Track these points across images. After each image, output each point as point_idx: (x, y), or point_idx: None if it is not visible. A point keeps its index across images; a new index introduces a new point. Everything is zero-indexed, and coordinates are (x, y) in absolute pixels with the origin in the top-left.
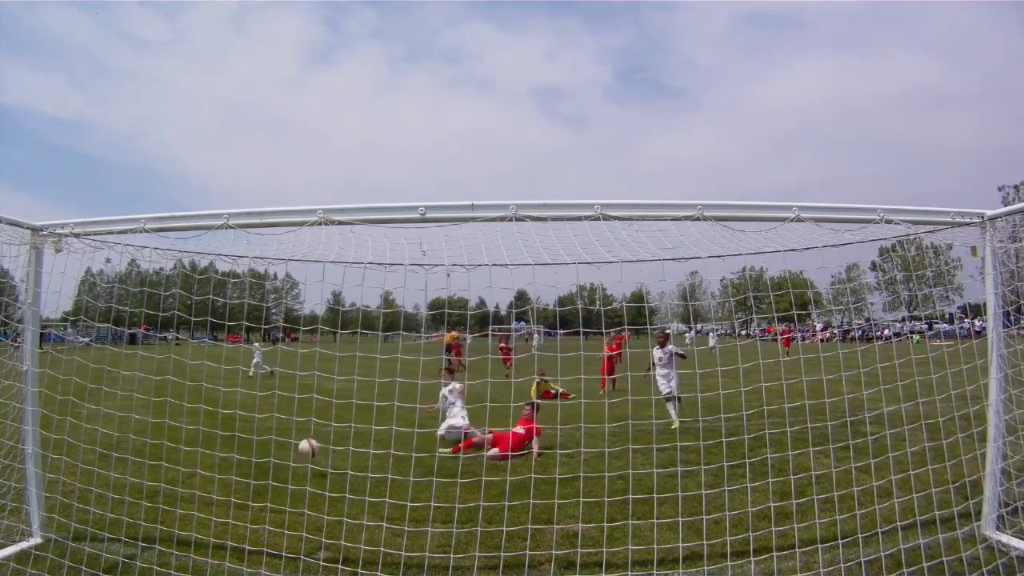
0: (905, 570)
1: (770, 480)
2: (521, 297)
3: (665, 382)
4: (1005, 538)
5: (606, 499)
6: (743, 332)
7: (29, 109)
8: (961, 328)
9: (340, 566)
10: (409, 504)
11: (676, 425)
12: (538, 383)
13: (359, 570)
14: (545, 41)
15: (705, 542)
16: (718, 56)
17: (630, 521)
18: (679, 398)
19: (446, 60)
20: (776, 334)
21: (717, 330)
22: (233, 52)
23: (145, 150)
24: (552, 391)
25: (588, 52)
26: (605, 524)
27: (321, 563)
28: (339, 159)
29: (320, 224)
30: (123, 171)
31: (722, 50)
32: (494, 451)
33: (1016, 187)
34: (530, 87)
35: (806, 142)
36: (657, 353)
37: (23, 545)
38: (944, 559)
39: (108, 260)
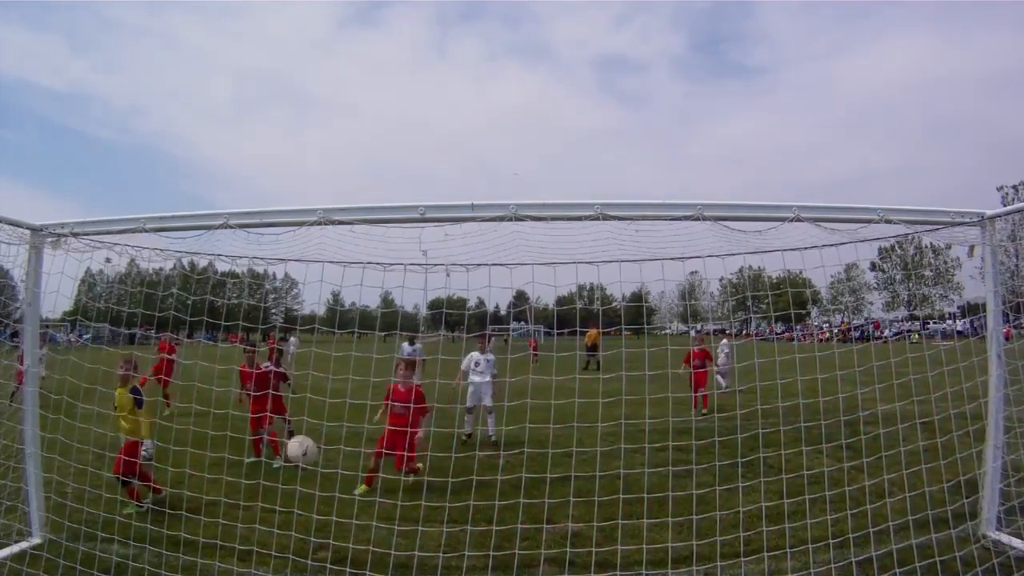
0: (897, 570)
1: (762, 479)
2: (520, 297)
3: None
4: (1004, 537)
5: (596, 498)
6: (744, 332)
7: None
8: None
9: (330, 565)
10: (400, 503)
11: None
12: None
13: (347, 568)
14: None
15: (694, 542)
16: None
17: (619, 521)
18: (491, 409)
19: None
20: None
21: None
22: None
23: (152, 129)
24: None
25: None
26: (595, 523)
27: (310, 562)
28: (373, 143)
29: (320, 224)
30: (124, 153)
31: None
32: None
33: (1015, 187)
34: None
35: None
36: (476, 357)
37: (23, 545)
38: (938, 558)
39: (108, 260)
